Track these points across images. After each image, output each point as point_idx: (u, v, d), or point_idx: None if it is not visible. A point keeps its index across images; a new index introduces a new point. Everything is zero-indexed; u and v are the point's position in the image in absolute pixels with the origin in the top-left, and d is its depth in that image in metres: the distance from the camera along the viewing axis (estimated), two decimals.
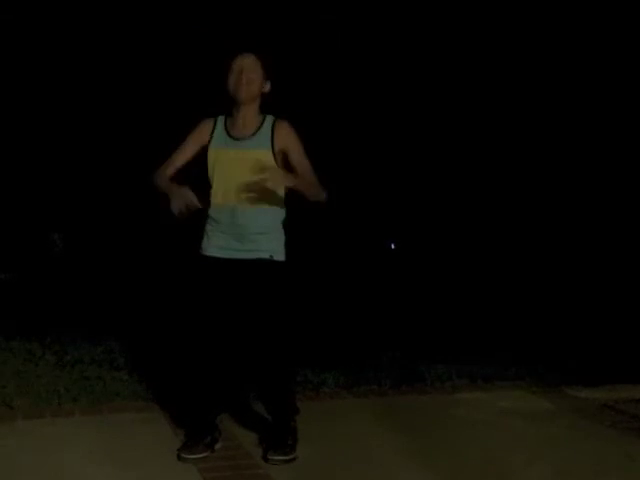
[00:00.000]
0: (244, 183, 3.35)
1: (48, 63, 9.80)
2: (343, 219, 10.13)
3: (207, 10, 9.35)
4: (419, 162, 10.54)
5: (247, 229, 3.42)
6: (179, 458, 3.41)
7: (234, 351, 3.51)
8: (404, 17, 9.75)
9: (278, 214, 3.52)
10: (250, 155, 3.40)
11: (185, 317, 3.64)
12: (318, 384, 4.66)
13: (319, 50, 9.52)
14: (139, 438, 3.72)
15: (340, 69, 9.75)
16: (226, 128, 3.49)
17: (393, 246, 11.65)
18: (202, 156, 3.51)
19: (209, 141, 3.48)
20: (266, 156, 3.41)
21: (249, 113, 3.46)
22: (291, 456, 3.42)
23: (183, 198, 3.26)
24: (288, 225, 3.55)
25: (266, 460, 3.41)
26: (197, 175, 3.53)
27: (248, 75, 3.40)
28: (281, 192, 3.45)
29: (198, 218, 3.47)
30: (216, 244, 3.46)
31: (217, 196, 3.46)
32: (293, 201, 3.51)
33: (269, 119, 3.49)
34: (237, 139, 3.44)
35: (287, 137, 3.46)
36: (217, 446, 3.52)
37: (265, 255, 3.43)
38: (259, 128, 3.46)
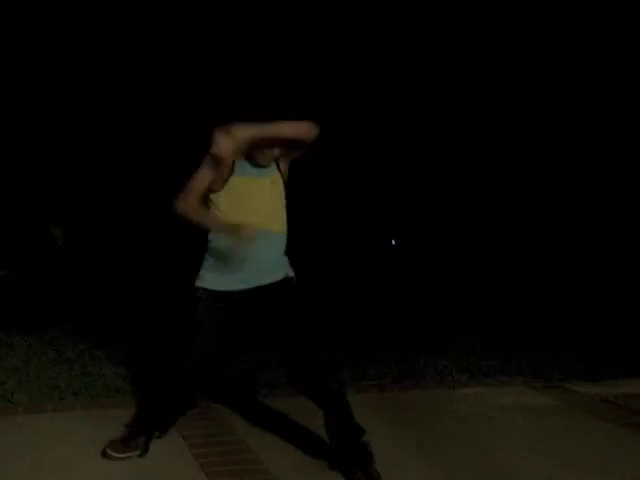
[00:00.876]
0: (273, 208, 3.32)
1: (49, 61, 9.79)
2: (344, 215, 10.14)
3: (207, 10, 9.33)
4: (419, 161, 10.54)
5: (276, 254, 3.36)
6: (104, 455, 3.37)
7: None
8: (404, 17, 9.74)
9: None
10: (271, 179, 3.33)
11: (185, 326, 3.56)
12: None
13: (319, 50, 9.50)
14: None
15: (340, 70, 9.74)
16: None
17: (393, 242, 11.65)
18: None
19: (232, 169, 3.27)
20: (278, 174, 3.36)
21: None
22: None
23: (244, 231, 3.09)
24: (289, 224, 3.49)
25: None
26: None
27: None
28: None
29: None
30: (239, 278, 3.30)
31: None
32: (297, 199, 3.47)
33: None
34: (259, 166, 3.31)
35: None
36: (151, 446, 3.45)
37: (287, 273, 3.38)
38: None
